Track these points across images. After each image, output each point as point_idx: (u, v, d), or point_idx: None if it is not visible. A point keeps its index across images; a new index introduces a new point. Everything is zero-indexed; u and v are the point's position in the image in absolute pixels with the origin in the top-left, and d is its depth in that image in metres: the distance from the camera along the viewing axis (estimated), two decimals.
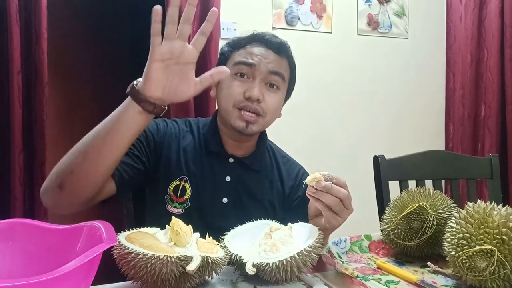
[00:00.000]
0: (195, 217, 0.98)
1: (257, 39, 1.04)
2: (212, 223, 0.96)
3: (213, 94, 1.08)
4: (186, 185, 1.00)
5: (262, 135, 1.10)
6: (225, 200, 1.03)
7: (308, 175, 0.80)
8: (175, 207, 0.99)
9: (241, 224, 0.85)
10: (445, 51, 2.72)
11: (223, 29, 2.20)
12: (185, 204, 0.99)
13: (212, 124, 1.08)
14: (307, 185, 0.79)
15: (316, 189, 0.77)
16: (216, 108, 1.09)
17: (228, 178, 1.04)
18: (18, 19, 1.72)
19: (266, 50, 1.02)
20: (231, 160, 1.06)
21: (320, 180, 0.77)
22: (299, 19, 2.39)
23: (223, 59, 1.06)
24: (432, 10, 2.71)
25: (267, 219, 0.86)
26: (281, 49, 1.04)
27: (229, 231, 0.82)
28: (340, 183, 0.79)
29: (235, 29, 2.25)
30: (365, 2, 2.55)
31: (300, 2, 2.38)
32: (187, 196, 1.00)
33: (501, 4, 2.50)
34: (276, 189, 1.08)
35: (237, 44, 1.04)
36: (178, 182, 1.00)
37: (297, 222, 0.85)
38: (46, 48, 1.77)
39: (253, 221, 0.85)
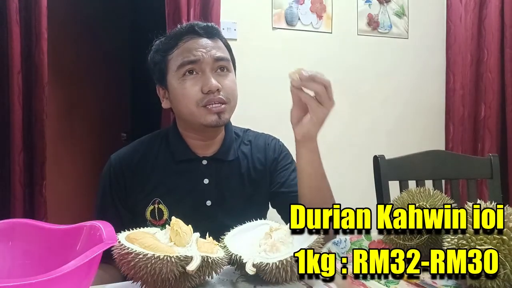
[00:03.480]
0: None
1: (186, 32, 1.00)
2: (202, 228, 0.95)
3: (166, 105, 1.05)
4: (161, 206, 1.00)
5: (226, 124, 1.07)
6: (208, 202, 1.01)
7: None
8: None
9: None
10: (445, 51, 2.71)
11: (223, 29, 2.19)
12: (167, 224, 0.98)
13: (175, 134, 1.06)
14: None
15: (301, 80, 0.79)
16: (173, 117, 1.07)
17: (206, 181, 1.02)
18: (18, 19, 1.72)
19: (201, 39, 0.99)
20: (204, 162, 1.03)
21: (302, 70, 0.79)
22: (299, 19, 2.39)
23: (163, 68, 1.01)
24: (432, 10, 2.71)
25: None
26: (211, 32, 1.01)
27: (222, 231, 0.82)
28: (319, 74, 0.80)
29: (235, 29, 2.24)
30: (365, 2, 2.54)
31: (300, 2, 2.38)
32: (165, 216, 0.99)
33: (501, 4, 2.50)
34: (255, 168, 1.06)
35: (168, 46, 1.01)
36: (152, 207, 1.00)
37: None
38: (46, 48, 1.77)
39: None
